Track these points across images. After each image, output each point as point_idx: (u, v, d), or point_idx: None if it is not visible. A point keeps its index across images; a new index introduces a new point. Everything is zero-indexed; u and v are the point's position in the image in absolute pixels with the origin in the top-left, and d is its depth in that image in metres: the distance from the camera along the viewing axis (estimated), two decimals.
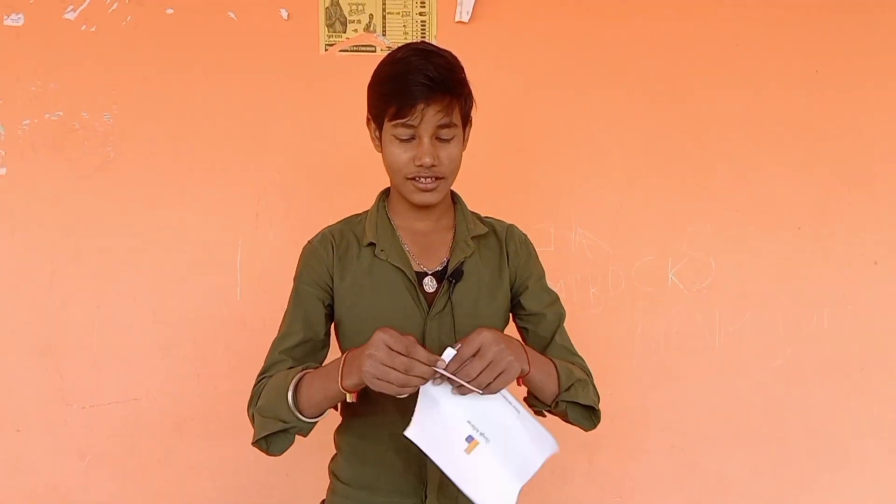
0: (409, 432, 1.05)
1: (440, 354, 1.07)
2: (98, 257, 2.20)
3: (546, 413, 1.31)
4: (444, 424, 1.07)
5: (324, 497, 1.41)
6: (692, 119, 2.24)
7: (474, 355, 1.06)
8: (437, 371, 1.05)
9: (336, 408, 1.26)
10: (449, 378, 1.06)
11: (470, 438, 1.07)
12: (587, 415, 1.31)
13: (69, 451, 2.24)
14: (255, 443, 1.22)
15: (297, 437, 1.23)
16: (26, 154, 2.17)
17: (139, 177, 2.19)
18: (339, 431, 1.39)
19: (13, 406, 2.22)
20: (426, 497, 1.27)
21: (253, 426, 1.23)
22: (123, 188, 2.19)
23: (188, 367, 2.23)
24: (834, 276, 2.27)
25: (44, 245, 2.19)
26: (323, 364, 1.33)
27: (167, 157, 2.19)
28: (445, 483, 1.24)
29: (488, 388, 1.07)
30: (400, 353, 1.03)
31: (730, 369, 2.29)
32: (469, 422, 1.08)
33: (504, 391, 1.11)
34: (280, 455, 1.24)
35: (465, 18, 2.15)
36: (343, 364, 1.12)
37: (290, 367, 1.27)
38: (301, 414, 1.16)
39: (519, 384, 1.20)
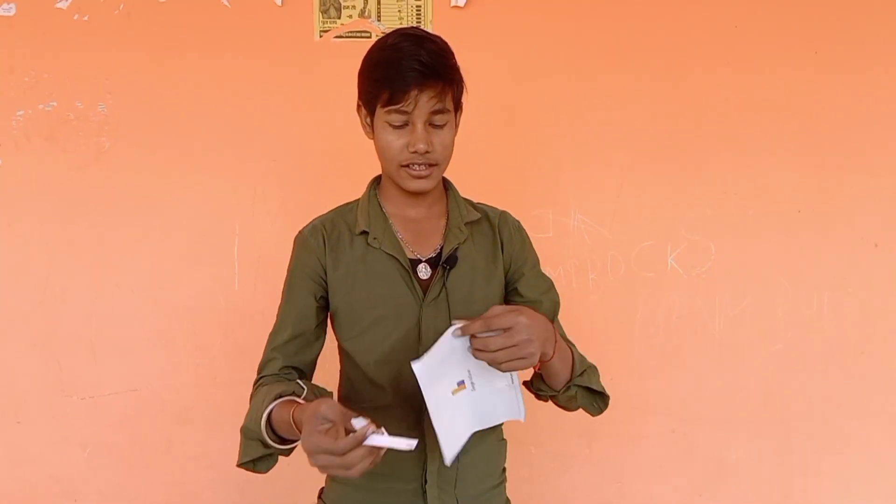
0: (416, 365, 1.05)
1: (435, 341, 1.07)
2: (95, 248, 2.19)
3: (548, 399, 1.32)
4: (448, 367, 1.10)
5: (323, 485, 1.41)
6: (691, 103, 2.23)
7: (504, 330, 1.04)
8: (454, 328, 1.06)
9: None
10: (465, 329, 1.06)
11: (461, 383, 1.12)
12: (594, 399, 1.33)
13: (70, 443, 2.24)
14: (241, 464, 1.23)
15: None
16: (21, 145, 2.16)
17: (135, 167, 2.18)
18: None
19: (13, 398, 2.22)
20: (426, 482, 1.27)
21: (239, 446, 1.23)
22: (119, 178, 2.18)
23: (187, 357, 2.23)
24: (834, 260, 2.27)
25: (40, 236, 2.19)
26: (315, 361, 1.35)
27: (162, 147, 2.18)
28: (444, 468, 1.24)
29: (498, 366, 1.06)
30: (327, 451, 0.96)
31: (730, 354, 2.29)
32: (469, 370, 1.12)
33: None
34: (267, 473, 1.25)
35: (461, 3, 2.14)
36: (296, 422, 1.08)
37: (283, 367, 1.28)
38: (279, 443, 1.16)
39: (535, 368, 1.20)
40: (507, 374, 1.14)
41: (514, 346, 1.03)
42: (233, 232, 2.21)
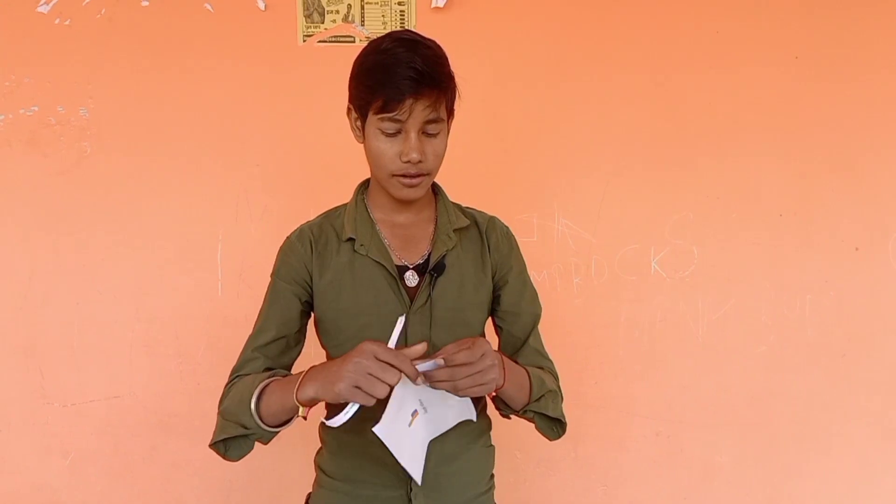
0: (378, 429, 1.06)
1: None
2: (77, 254, 2.18)
3: (511, 417, 1.32)
4: (401, 409, 1.09)
5: (310, 490, 1.41)
6: (674, 108, 2.24)
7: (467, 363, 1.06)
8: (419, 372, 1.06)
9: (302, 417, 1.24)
10: (427, 375, 1.07)
11: (414, 412, 1.11)
12: (552, 425, 1.34)
13: (52, 451, 2.22)
14: (213, 445, 1.21)
15: (288, 426, 1.21)
16: (1, 150, 2.15)
17: (117, 172, 2.17)
18: (324, 426, 1.38)
19: None
20: (411, 489, 1.26)
21: (215, 427, 1.22)
22: (101, 183, 2.17)
23: (170, 363, 2.22)
24: (816, 263, 2.29)
25: (22, 242, 2.17)
26: (292, 365, 1.34)
27: (145, 152, 2.17)
28: (431, 474, 1.24)
29: (460, 392, 1.06)
30: (389, 364, 1.01)
31: (714, 357, 2.30)
32: (420, 400, 1.12)
33: None
34: (237, 461, 1.23)
35: (441, 3, 2.14)
36: (303, 377, 1.09)
37: (265, 367, 1.26)
38: (262, 422, 1.14)
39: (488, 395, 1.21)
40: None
41: (477, 372, 1.06)
42: (216, 238, 2.20)
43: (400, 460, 1.10)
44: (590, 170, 2.25)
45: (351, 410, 1.02)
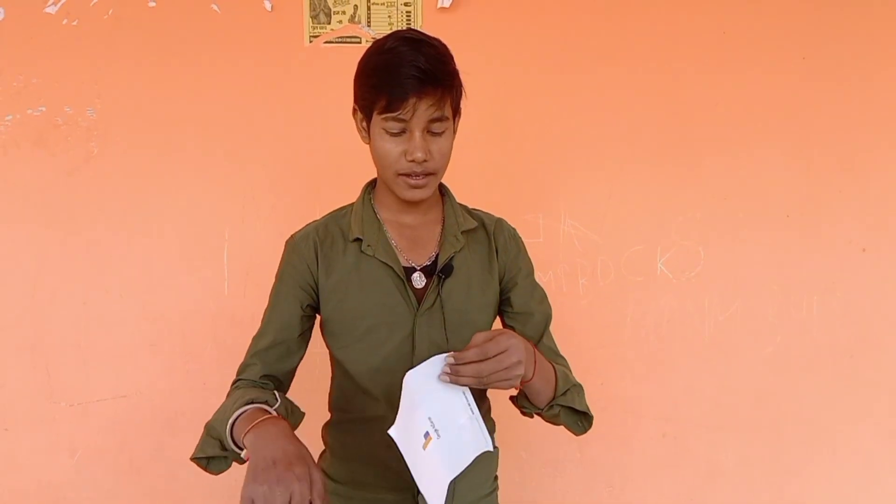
0: (393, 431, 1.05)
1: (430, 351, 1.06)
2: (84, 253, 2.18)
3: (533, 416, 1.31)
4: (413, 422, 1.07)
5: None
6: (681, 108, 2.24)
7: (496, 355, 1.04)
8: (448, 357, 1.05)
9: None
10: (453, 369, 1.06)
11: (427, 434, 1.08)
12: (578, 419, 1.31)
13: (59, 449, 2.23)
14: (195, 458, 1.19)
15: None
16: (9, 150, 2.15)
17: (124, 171, 2.17)
18: (328, 428, 1.38)
19: (0, 404, 2.20)
20: (418, 492, 1.26)
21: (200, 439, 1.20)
22: (108, 183, 2.17)
23: (177, 362, 2.22)
24: (822, 264, 2.28)
25: (29, 242, 2.17)
26: (293, 371, 1.32)
27: (152, 152, 2.17)
28: None
29: (485, 384, 1.06)
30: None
31: (720, 358, 2.29)
32: (430, 418, 1.09)
33: (466, 389, 1.11)
34: (217, 475, 1.21)
35: (447, 3, 2.13)
36: (245, 433, 1.06)
37: (262, 374, 1.26)
38: (238, 447, 1.11)
39: (516, 388, 1.18)
40: (466, 406, 1.12)
41: (504, 368, 1.04)
42: (223, 237, 2.20)
43: (418, 482, 1.07)
44: (596, 170, 2.25)
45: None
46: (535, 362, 1.14)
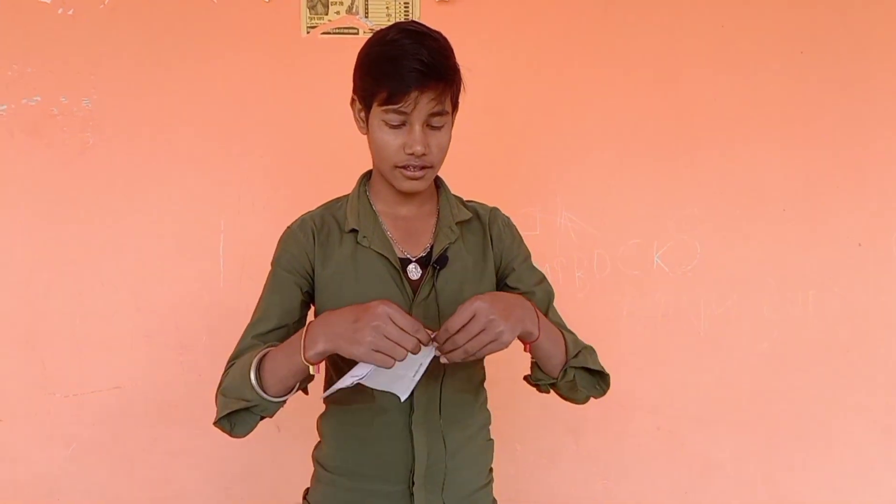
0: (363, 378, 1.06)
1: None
2: (79, 244, 2.18)
3: (549, 390, 1.29)
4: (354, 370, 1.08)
5: (308, 485, 1.40)
6: (678, 102, 2.24)
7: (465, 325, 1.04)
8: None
9: (302, 391, 1.22)
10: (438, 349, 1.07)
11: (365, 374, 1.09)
12: (596, 381, 1.30)
13: (53, 441, 2.23)
14: (218, 422, 1.17)
15: (277, 419, 1.20)
16: (4, 140, 2.15)
17: (119, 162, 2.17)
18: (324, 419, 1.37)
19: None
20: (413, 483, 1.26)
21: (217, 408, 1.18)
22: (104, 174, 2.17)
23: (171, 354, 2.22)
24: (819, 259, 2.28)
25: (24, 232, 2.17)
26: None
27: (147, 143, 2.17)
28: (432, 469, 1.24)
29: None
30: (404, 331, 1.01)
31: (715, 352, 2.30)
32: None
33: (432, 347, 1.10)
34: (244, 437, 1.19)
35: None
36: (306, 334, 1.08)
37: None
38: (265, 392, 1.12)
39: (526, 350, 1.18)
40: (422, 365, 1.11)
41: (480, 331, 1.04)
42: (218, 229, 2.20)
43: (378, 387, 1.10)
44: (593, 164, 2.25)
45: (362, 372, 1.02)
46: (538, 319, 1.14)
